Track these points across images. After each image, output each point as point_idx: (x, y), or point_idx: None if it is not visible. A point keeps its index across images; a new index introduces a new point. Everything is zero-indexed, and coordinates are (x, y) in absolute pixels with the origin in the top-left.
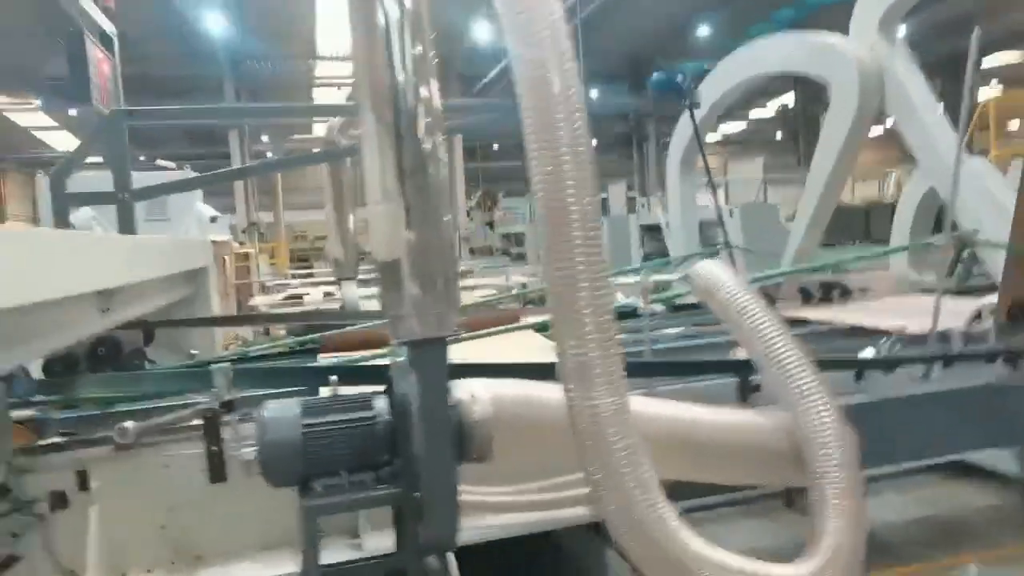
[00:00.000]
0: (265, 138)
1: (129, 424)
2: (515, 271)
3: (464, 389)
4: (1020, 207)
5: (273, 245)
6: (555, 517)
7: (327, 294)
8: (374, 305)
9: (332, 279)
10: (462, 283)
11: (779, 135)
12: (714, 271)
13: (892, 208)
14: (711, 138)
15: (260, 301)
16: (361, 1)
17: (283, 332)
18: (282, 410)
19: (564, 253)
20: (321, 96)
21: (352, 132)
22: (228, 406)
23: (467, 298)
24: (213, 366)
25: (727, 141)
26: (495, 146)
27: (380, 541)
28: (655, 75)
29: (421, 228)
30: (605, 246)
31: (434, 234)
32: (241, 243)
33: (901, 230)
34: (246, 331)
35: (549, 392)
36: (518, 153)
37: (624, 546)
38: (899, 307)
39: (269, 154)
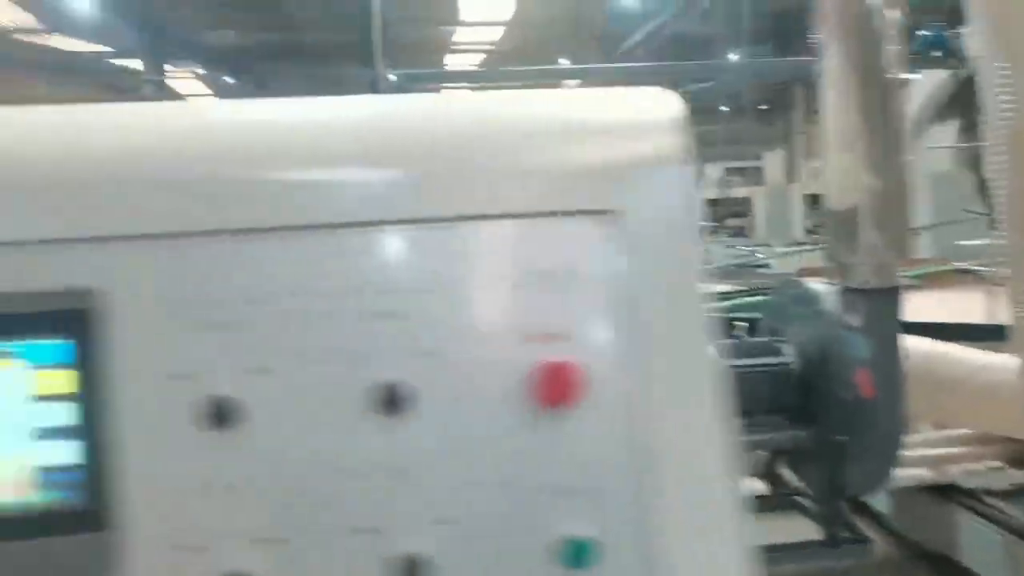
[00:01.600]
0: None
1: None
2: None
3: None
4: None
5: None
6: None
7: None
8: None
9: None
10: None
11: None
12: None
13: None
14: None
15: None
16: None
17: None
18: None
19: None
20: (452, 62)
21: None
22: None
23: None
24: None
25: None
26: None
27: None
28: (924, 33)
29: (881, 172)
30: (761, 221)
31: (894, 179)
32: None
33: None
34: None
35: (963, 353)
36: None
37: None
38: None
39: None
